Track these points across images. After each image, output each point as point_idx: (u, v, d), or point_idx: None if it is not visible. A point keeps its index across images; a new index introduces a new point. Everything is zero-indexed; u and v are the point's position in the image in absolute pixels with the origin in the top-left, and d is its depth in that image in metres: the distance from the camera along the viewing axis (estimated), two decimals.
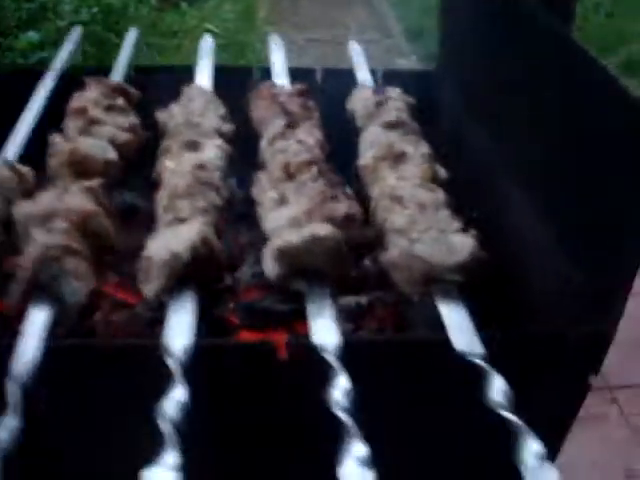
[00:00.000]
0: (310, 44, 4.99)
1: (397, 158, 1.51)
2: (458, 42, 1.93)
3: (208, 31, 4.87)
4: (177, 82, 1.76)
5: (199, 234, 1.19)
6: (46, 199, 1.25)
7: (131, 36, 2.02)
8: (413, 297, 1.26)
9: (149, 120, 1.64)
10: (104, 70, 1.80)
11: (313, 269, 1.21)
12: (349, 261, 1.25)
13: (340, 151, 1.56)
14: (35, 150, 1.49)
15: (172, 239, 1.19)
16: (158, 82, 1.84)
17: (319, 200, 1.28)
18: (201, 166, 1.34)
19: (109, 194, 1.39)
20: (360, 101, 1.77)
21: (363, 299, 1.59)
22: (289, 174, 1.36)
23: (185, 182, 1.31)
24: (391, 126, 1.63)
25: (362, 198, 1.46)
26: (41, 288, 1.15)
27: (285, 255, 1.19)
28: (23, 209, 1.23)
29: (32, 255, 1.15)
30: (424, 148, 1.53)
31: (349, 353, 1.05)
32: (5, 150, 1.47)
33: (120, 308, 1.29)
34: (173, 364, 1.01)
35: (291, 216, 1.25)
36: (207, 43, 1.98)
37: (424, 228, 1.28)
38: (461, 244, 1.24)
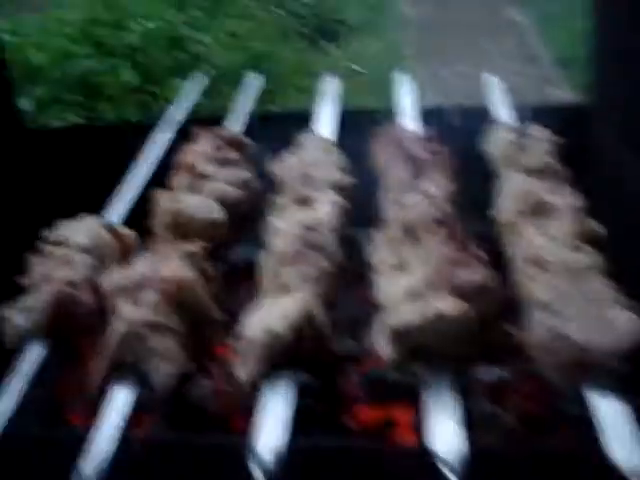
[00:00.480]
0: (456, 77, 4.78)
1: (542, 212, 1.28)
2: (618, 70, 1.68)
3: (354, 71, 4.82)
4: (297, 129, 1.63)
5: (303, 309, 1.03)
6: (140, 266, 1.13)
7: (251, 82, 1.92)
8: (560, 386, 1.03)
9: (265, 172, 1.51)
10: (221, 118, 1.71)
11: (435, 352, 1.01)
12: (479, 340, 1.04)
13: (474, 200, 1.36)
14: (143, 209, 1.39)
15: (272, 315, 1.04)
16: (277, 130, 1.72)
17: (445, 266, 1.08)
18: (311, 227, 1.18)
19: (216, 257, 1.26)
20: (498, 142, 1.56)
21: (505, 371, 1.39)
22: (411, 235, 1.17)
23: (292, 245, 1.16)
24: (535, 172, 1.40)
25: (498, 258, 1.25)
26: (125, 369, 1.02)
27: (402, 337, 1.00)
28: (112, 279, 1.11)
29: (116, 332, 1.03)
30: (575, 200, 1.29)
31: (474, 466, 0.85)
32: (109, 210, 1.38)
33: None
34: (259, 471, 0.85)
35: (411, 286, 1.06)
36: (332, 85, 1.84)
37: (576, 302, 1.05)
38: (623, 323, 1.01)
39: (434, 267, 1.08)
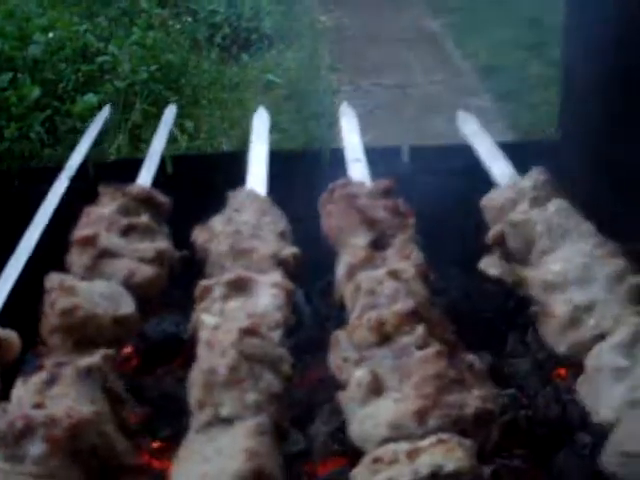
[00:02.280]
0: (378, 89, 4.57)
1: None
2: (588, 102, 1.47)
3: (270, 82, 4.54)
4: (225, 174, 1.35)
5: (250, 463, 0.75)
6: (20, 403, 0.82)
7: (168, 116, 1.61)
8: None
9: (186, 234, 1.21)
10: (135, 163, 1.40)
11: None
12: None
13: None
14: (28, 294, 1.07)
15: (210, 470, 0.75)
16: (200, 176, 1.43)
17: (435, 387, 0.82)
18: (252, 330, 0.90)
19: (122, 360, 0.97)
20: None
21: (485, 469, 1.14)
22: (381, 334, 0.90)
23: (228, 360, 0.87)
24: None
25: None
26: None
27: None
28: None
29: None
30: None
31: None
32: None
33: None
34: None
35: (393, 421, 0.79)
36: (262, 119, 1.55)
37: None
38: None
39: (419, 387, 0.82)
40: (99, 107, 3.51)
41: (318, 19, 5.95)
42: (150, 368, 1.31)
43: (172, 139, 3.57)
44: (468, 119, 1.51)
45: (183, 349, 1.34)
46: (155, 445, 1.10)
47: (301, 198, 1.28)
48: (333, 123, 3.05)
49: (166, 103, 3.65)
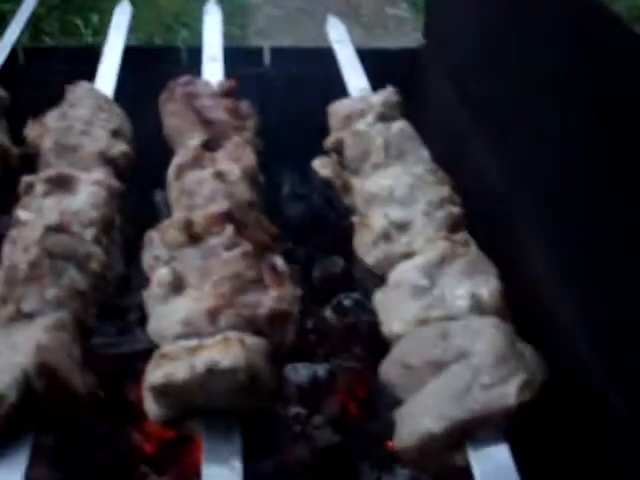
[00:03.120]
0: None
1: None
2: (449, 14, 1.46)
3: None
4: (74, 72, 1.30)
5: (37, 356, 0.76)
6: None
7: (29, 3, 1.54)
8: None
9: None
10: None
11: (212, 407, 0.78)
12: (272, 384, 0.81)
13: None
14: None
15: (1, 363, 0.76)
16: (49, 72, 1.38)
17: (231, 287, 0.83)
18: (59, 227, 0.89)
19: None
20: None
21: (320, 369, 1.19)
22: (192, 234, 0.91)
23: (32, 254, 0.86)
24: None
25: None
26: None
27: (165, 395, 0.75)
28: None
29: None
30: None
31: None
32: None
33: None
34: None
35: (186, 318, 0.81)
36: (124, 13, 1.50)
37: None
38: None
39: (216, 286, 0.83)
40: None
41: None
42: None
43: (74, 32, 3.40)
44: (338, 25, 1.50)
45: None
46: None
47: (150, 98, 1.26)
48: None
49: None
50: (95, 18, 3.41)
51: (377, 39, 3.58)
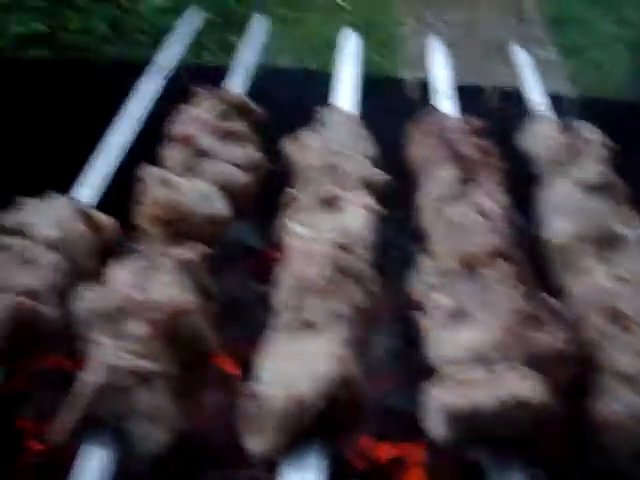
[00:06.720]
0: (448, 28, 4.47)
1: (608, 243, 1.07)
2: None
3: (337, 6, 4.46)
4: (312, 95, 1.36)
5: (339, 367, 0.79)
6: (122, 284, 0.87)
7: (257, 24, 1.62)
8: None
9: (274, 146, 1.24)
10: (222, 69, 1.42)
11: (501, 437, 0.80)
12: (555, 424, 0.82)
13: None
14: (123, 183, 1.11)
15: (299, 373, 0.80)
16: (288, 91, 1.44)
17: (515, 321, 0.85)
18: (345, 246, 0.93)
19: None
20: (541, 139, 1.32)
21: None
22: (467, 266, 0.94)
23: (320, 269, 0.91)
24: (593, 189, 1.18)
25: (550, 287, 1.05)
26: (101, 425, 0.78)
27: (461, 421, 0.77)
28: (85, 303, 0.85)
29: (92, 381, 0.78)
30: None
31: None
32: (82, 184, 1.10)
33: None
34: None
35: (475, 348, 0.83)
36: (350, 40, 1.55)
37: None
38: None
39: (504, 324, 0.86)
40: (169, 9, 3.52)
41: None
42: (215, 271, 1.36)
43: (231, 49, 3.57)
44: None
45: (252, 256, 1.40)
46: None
47: (385, 124, 1.30)
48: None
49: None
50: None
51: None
